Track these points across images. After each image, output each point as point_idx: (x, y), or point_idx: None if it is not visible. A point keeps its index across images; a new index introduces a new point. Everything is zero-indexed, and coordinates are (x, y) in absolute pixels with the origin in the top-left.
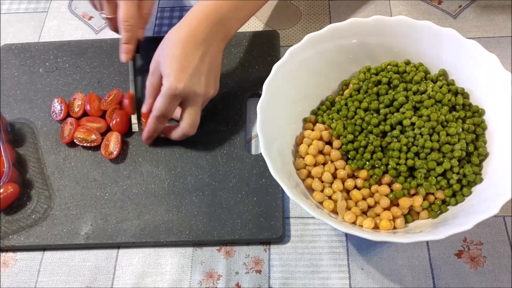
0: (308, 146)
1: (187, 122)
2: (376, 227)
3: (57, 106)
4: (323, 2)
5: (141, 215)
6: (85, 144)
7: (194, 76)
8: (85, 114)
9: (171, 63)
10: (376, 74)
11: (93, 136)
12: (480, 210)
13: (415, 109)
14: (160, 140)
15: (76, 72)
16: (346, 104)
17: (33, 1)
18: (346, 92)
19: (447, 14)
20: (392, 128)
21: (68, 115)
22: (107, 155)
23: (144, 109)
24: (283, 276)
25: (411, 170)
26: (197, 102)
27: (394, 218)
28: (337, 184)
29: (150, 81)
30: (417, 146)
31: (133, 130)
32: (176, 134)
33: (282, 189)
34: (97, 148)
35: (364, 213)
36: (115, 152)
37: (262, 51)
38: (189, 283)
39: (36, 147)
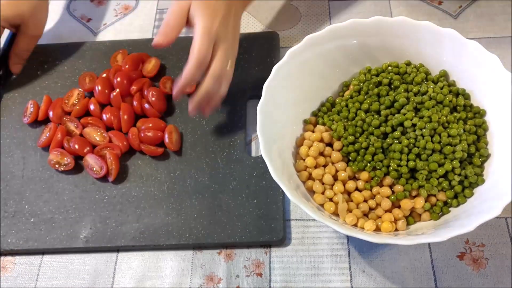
0: (309, 147)
1: (216, 64)
2: (377, 229)
3: (29, 109)
4: (323, 3)
5: (140, 218)
6: (59, 169)
7: (223, 23)
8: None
9: (203, 6)
10: (377, 75)
11: (66, 160)
12: (482, 211)
13: (416, 110)
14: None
15: (75, 74)
16: (346, 106)
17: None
18: (347, 93)
19: (447, 14)
20: (393, 129)
21: (36, 119)
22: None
23: (163, 40)
24: (284, 279)
25: (413, 171)
26: (226, 48)
27: (395, 220)
28: (338, 186)
29: (177, 11)
30: (418, 147)
31: None
32: (206, 83)
33: (282, 191)
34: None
35: (365, 215)
36: (102, 172)
37: (262, 53)
38: (189, 286)
39: (35, 150)
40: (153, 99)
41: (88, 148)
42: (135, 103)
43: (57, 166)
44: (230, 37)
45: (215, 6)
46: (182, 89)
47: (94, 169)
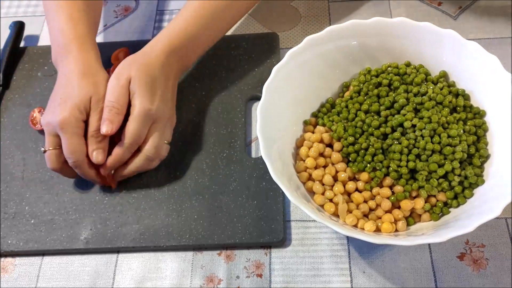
0: (309, 148)
1: (151, 144)
2: (377, 230)
3: (37, 116)
4: (323, 3)
5: (140, 219)
6: None
7: (163, 99)
8: None
9: (143, 84)
10: (377, 76)
11: None
12: (482, 212)
13: (416, 111)
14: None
15: None
16: (346, 106)
17: (31, 5)
18: (347, 94)
19: (447, 15)
20: (393, 130)
21: None
22: None
23: (108, 128)
24: (284, 280)
25: (413, 172)
26: (163, 126)
27: (395, 221)
28: (338, 187)
29: (118, 93)
30: (418, 148)
31: None
32: (138, 161)
33: (282, 192)
34: None
35: (365, 215)
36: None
37: (262, 54)
38: (190, 287)
39: (35, 151)
40: None
41: None
42: None
43: None
44: (167, 112)
45: (153, 83)
46: (110, 169)
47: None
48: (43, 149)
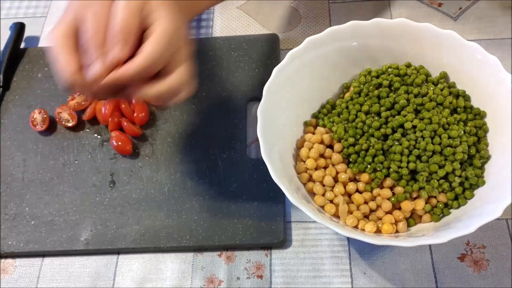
0: (309, 149)
1: (177, 78)
2: (378, 231)
3: (37, 117)
4: (323, 4)
5: (141, 220)
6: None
7: (187, 28)
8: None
9: (166, 4)
10: (377, 77)
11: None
12: (482, 213)
13: (416, 111)
14: (159, 141)
15: None
16: (347, 107)
17: (32, 5)
18: (347, 95)
19: (447, 16)
20: (394, 131)
21: (50, 125)
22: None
23: (119, 52)
24: (285, 281)
25: (413, 173)
26: (187, 55)
27: (396, 222)
28: (339, 188)
29: (128, 21)
30: (418, 149)
31: None
32: (151, 90)
33: (283, 193)
34: (95, 149)
35: (366, 217)
36: None
37: (262, 55)
38: None
39: (35, 152)
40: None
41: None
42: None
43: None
44: (190, 47)
45: (177, 10)
46: (114, 80)
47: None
48: None
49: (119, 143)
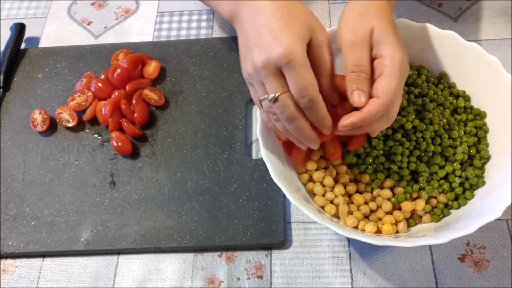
0: None
1: (397, 107)
2: (378, 232)
3: (38, 117)
4: (323, 5)
5: (141, 221)
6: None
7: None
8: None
9: (392, 33)
10: None
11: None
12: (483, 213)
13: (417, 112)
14: (159, 141)
15: (76, 78)
16: None
17: (32, 6)
18: None
19: (447, 16)
20: (394, 131)
21: (50, 125)
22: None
23: (361, 101)
24: (285, 282)
25: (413, 174)
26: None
27: (396, 222)
28: (339, 189)
29: (361, 53)
30: (419, 149)
31: None
32: (378, 124)
33: (283, 193)
34: (96, 149)
35: (366, 217)
36: None
37: None
38: None
39: (36, 153)
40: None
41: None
42: (133, 101)
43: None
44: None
45: (396, 30)
46: (353, 126)
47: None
48: (272, 96)
49: (119, 144)
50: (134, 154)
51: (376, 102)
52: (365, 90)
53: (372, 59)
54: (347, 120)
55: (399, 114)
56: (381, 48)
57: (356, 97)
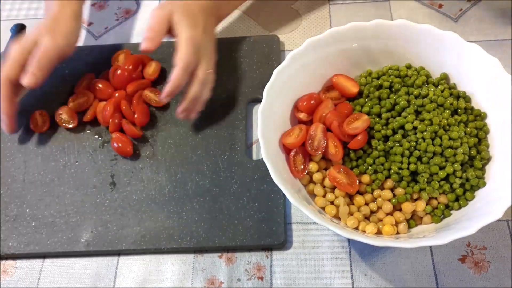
0: None
1: (203, 69)
2: (379, 232)
3: (38, 118)
4: (324, 6)
5: (141, 221)
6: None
7: (205, 31)
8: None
9: (186, 17)
10: (378, 78)
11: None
12: (483, 214)
13: (417, 113)
14: (160, 142)
15: (76, 78)
16: None
17: (32, 7)
18: None
19: (448, 17)
20: (394, 132)
21: (50, 126)
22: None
23: (147, 44)
24: (285, 283)
25: (414, 174)
26: (209, 54)
27: (397, 223)
28: (339, 190)
29: (158, 20)
30: (419, 150)
31: None
32: (194, 87)
33: (283, 194)
34: (96, 150)
35: (366, 218)
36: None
37: (263, 56)
38: None
39: (36, 153)
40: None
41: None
42: (134, 102)
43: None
44: (210, 44)
45: (195, 18)
46: (170, 93)
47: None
48: None
49: (120, 145)
50: (134, 155)
51: (176, 68)
52: (153, 39)
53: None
54: (164, 90)
55: (399, 114)
56: (176, 28)
57: (144, 44)
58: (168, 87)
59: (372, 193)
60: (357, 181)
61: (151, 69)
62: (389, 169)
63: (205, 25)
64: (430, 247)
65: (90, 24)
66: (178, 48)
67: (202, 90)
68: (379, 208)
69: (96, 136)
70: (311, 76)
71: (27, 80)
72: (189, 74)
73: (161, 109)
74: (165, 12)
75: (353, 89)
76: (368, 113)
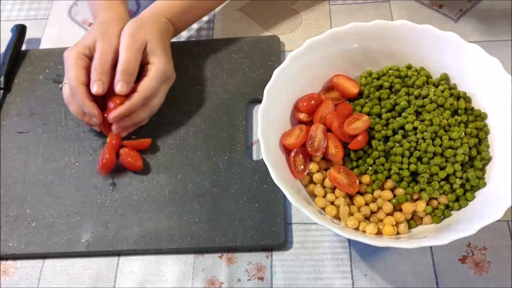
0: None
1: (159, 101)
2: (379, 233)
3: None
4: (324, 6)
5: (142, 222)
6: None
7: (171, 60)
8: None
9: (162, 48)
10: (378, 79)
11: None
12: (483, 214)
13: (417, 113)
14: (160, 142)
15: None
16: None
17: (33, 8)
18: None
19: (448, 18)
20: (395, 132)
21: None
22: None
23: (123, 89)
24: (286, 283)
25: (414, 175)
26: (168, 86)
27: (397, 224)
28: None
29: (134, 56)
30: (419, 150)
31: None
32: (142, 114)
33: (284, 195)
34: (96, 150)
35: (367, 218)
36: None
37: (263, 56)
38: None
39: (36, 154)
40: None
41: None
42: None
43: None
44: (173, 72)
45: (166, 44)
46: (120, 116)
47: None
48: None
49: (129, 159)
50: None
51: (136, 95)
52: (129, 82)
53: (146, 64)
54: (116, 111)
55: (399, 115)
56: (151, 58)
57: (119, 87)
58: (120, 110)
59: (372, 194)
60: (357, 181)
61: None
62: (389, 170)
63: (169, 49)
64: (431, 247)
65: (90, 24)
66: (148, 75)
67: (146, 117)
68: (379, 208)
69: (96, 137)
70: (311, 77)
71: (96, 88)
72: (144, 104)
73: (161, 109)
74: (139, 43)
75: (353, 89)
76: (368, 114)
